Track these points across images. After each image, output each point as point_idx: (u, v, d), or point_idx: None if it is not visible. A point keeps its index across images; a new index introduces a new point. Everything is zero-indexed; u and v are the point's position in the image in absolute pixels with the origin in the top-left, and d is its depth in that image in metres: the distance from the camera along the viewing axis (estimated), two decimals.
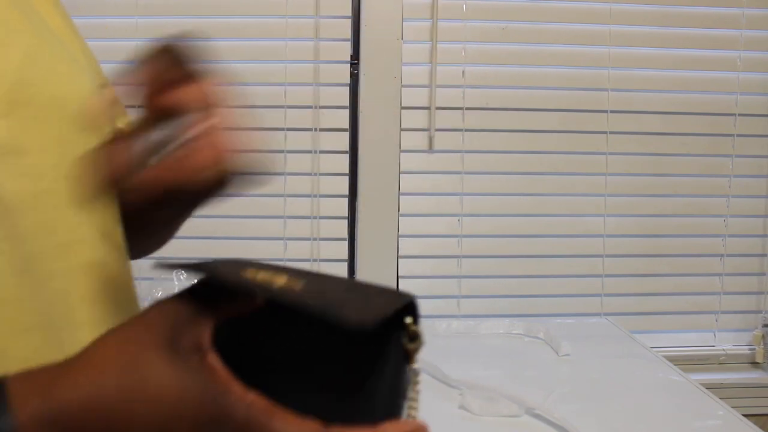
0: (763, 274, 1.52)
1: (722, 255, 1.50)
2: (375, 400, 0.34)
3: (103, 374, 0.33)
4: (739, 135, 1.47)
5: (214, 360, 0.33)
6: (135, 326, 0.34)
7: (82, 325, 0.44)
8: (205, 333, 0.33)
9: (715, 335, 1.54)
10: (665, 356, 1.19)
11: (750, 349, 1.54)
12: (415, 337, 0.35)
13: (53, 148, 0.46)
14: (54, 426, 0.32)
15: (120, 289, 0.50)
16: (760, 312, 1.53)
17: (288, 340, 0.35)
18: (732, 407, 1.00)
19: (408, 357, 0.35)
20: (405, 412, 0.35)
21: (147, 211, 0.52)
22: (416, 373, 0.36)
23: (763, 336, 1.52)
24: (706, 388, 1.06)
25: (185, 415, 0.32)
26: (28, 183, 0.44)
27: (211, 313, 0.34)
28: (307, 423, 0.32)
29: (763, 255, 1.52)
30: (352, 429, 0.32)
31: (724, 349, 1.53)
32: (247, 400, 0.32)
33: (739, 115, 1.46)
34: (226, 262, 0.37)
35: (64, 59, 0.50)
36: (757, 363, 1.53)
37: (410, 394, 0.36)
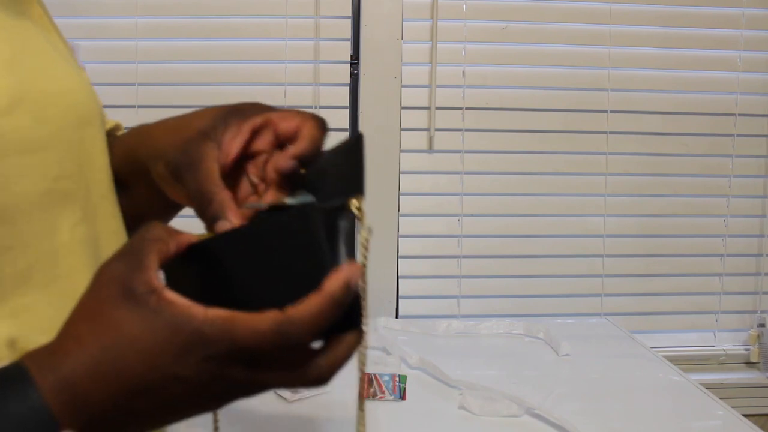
0: (760, 274, 1.52)
1: (722, 255, 1.50)
2: (320, 269, 0.36)
3: (85, 341, 0.35)
4: (739, 135, 1.47)
5: (169, 294, 0.35)
6: (92, 292, 0.37)
7: None
8: (153, 276, 0.36)
9: (715, 335, 1.54)
10: (665, 356, 1.19)
11: (746, 349, 1.54)
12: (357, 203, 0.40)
13: (53, 146, 0.46)
14: (68, 396, 0.34)
15: None
16: (755, 312, 1.53)
17: (231, 258, 0.38)
18: (732, 407, 1.00)
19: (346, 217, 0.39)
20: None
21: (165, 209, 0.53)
22: (368, 231, 0.40)
23: (758, 336, 1.52)
24: (706, 388, 1.06)
25: (163, 350, 0.34)
26: (32, 183, 0.44)
27: (154, 256, 0.37)
28: (264, 315, 0.35)
29: (759, 255, 1.52)
30: (301, 302, 0.35)
31: (724, 349, 1.53)
32: (210, 316, 0.34)
33: (739, 115, 1.46)
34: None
35: (51, 55, 0.50)
36: (753, 363, 1.53)
37: (361, 259, 0.39)
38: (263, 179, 0.46)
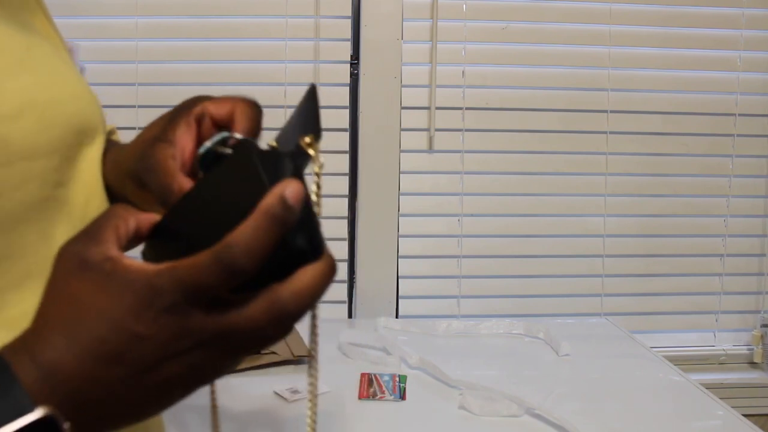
0: (762, 274, 1.52)
1: (722, 255, 1.51)
2: (262, 194, 0.35)
3: (50, 318, 0.35)
4: (739, 135, 1.47)
5: (125, 260, 0.35)
6: (52, 273, 0.37)
7: None
8: (110, 248, 0.36)
9: (715, 335, 1.54)
10: (665, 356, 1.19)
11: (749, 349, 1.54)
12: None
13: (54, 152, 0.46)
14: (44, 377, 0.34)
15: None
16: (758, 312, 1.53)
17: (186, 218, 0.38)
18: (732, 407, 1.00)
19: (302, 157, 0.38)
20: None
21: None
22: (320, 166, 0.39)
23: (762, 336, 1.52)
24: (706, 388, 1.06)
25: (123, 311, 0.34)
26: (33, 190, 0.44)
27: (111, 232, 0.37)
28: (205, 251, 0.34)
29: (762, 255, 1.52)
30: (238, 227, 0.34)
31: (724, 349, 1.53)
32: (159, 269, 0.34)
33: (739, 115, 1.47)
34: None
35: (56, 62, 0.50)
36: (756, 363, 1.53)
37: (314, 191, 0.38)
38: None
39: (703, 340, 1.54)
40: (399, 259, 1.43)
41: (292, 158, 0.37)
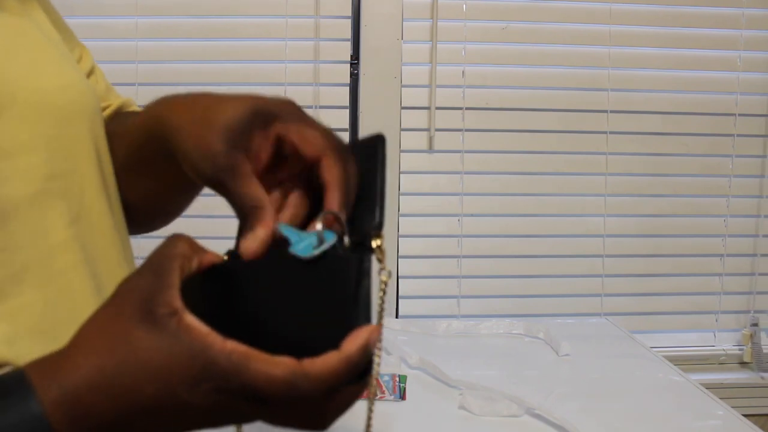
0: (753, 273, 1.52)
1: (722, 255, 1.50)
2: (346, 322, 0.36)
3: (97, 354, 0.35)
4: (739, 135, 1.47)
5: (190, 320, 0.35)
6: (111, 306, 0.36)
7: None
8: (175, 296, 0.35)
9: (715, 335, 1.54)
10: (665, 356, 1.19)
11: (740, 349, 1.53)
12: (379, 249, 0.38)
13: (42, 147, 0.46)
14: (69, 408, 0.34)
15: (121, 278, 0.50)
16: (749, 312, 1.53)
17: (254, 286, 0.37)
18: (732, 407, 1.00)
19: (364, 268, 0.37)
20: (375, 320, 0.37)
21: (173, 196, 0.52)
22: (388, 275, 0.38)
23: (751, 335, 1.51)
24: (706, 388, 1.06)
25: (177, 376, 0.34)
26: (23, 185, 0.44)
27: (176, 273, 0.36)
28: (280, 362, 0.34)
29: (753, 255, 1.52)
30: (319, 358, 0.35)
31: (724, 349, 1.53)
32: (227, 349, 0.34)
33: (739, 115, 1.46)
34: None
35: (46, 51, 0.50)
36: (746, 363, 1.53)
37: (378, 302, 0.38)
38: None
39: (703, 340, 1.54)
40: (399, 259, 1.43)
41: (369, 262, 0.37)
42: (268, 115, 0.42)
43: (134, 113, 0.58)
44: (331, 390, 0.35)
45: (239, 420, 0.38)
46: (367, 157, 0.41)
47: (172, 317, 0.35)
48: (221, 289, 0.38)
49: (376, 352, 0.37)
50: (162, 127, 0.47)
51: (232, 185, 0.40)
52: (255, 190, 0.40)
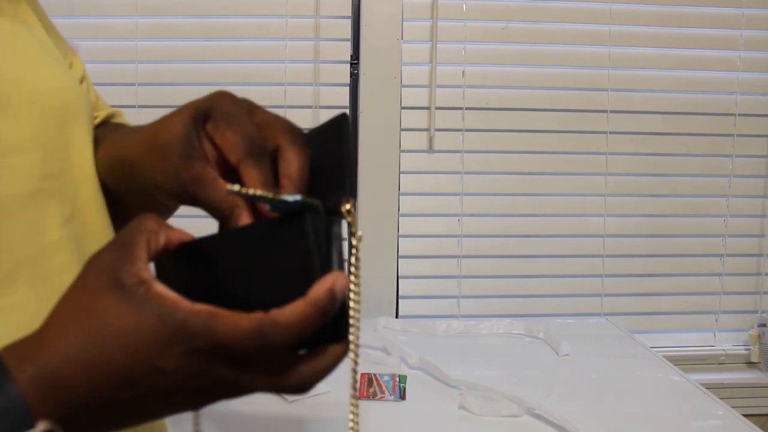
0: (760, 273, 1.52)
1: (722, 255, 1.50)
2: (310, 274, 0.36)
3: (69, 330, 0.35)
4: (739, 135, 1.47)
5: (158, 287, 0.35)
6: (80, 282, 0.37)
7: None
8: (143, 268, 0.36)
9: (715, 335, 1.54)
10: (665, 356, 1.19)
11: (746, 349, 1.53)
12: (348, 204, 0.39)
13: (37, 147, 0.46)
14: (47, 387, 0.34)
15: None
16: (756, 312, 1.53)
17: (223, 259, 0.38)
18: (732, 407, 1.00)
19: (334, 222, 0.38)
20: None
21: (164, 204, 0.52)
22: (359, 239, 0.40)
23: (759, 336, 1.52)
24: (706, 388, 1.06)
25: (146, 340, 0.34)
26: (17, 184, 0.44)
27: (143, 247, 0.37)
28: (248, 315, 0.35)
29: (759, 255, 1.52)
30: (287, 306, 0.35)
31: (724, 349, 1.53)
32: (195, 309, 0.35)
33: (739, 115, 1.46)
34: None
35: (38, 54, 0.50)
36: (753, 363, 1.53)
37: (351, 260, 0.39)
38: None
39: (702, 340, 1.54)
40: (399, 259, 1.43)
41: (337, 224, 0.38)
42: (204, 116, 0.44)
43: (120, 125, 0.59)
44: (300, 336, 0.35)
45: (219, 393, 0.37)
46: (331, 138, 0.43)
47: (140, 286, 0.35)
48: (192, 265, 0.38)
49: (352, 305, 0.37)
50: (123, 165, 0.49)
51: (202, 195, 0.42)
52: (223, 193, 0.41)
